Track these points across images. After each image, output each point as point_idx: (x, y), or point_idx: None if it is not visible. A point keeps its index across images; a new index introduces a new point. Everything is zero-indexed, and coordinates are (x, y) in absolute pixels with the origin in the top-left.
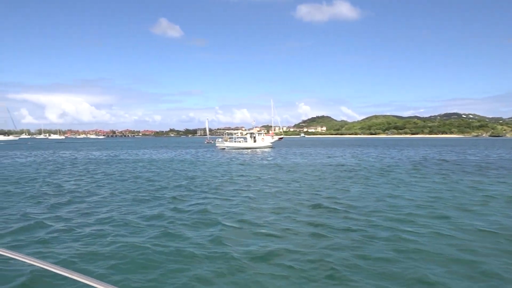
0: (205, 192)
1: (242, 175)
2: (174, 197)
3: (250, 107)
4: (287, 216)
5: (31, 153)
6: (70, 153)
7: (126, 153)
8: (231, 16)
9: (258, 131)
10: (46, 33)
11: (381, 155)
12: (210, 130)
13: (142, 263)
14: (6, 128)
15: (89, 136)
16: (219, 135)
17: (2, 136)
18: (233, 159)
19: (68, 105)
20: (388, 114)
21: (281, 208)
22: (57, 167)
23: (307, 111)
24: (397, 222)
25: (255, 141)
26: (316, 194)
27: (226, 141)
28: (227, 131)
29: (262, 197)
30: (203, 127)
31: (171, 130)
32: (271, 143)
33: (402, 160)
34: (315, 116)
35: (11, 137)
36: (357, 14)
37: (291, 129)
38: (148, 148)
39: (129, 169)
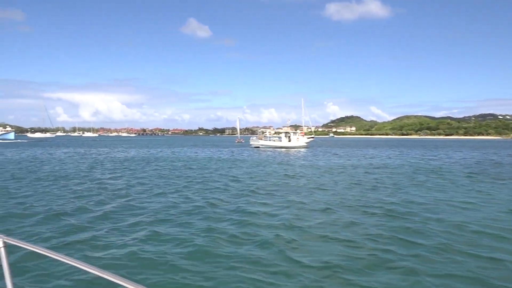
0: (271, 195)
1: (291, 176)
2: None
3: (277, 107)
4: (374, 224)
5: (77, 151)
6: (122, 150)
7: (162, 151)
8: (259, 16)
9: (287, 131)
10: (81, 34)
11: (428, 156)
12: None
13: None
14: (43, 126)
15: (120, 134)
16: (247, 134)
17: (39, 133)
18: (271, 159)
19: (100, 104)
20: (419, 114)
21: (365, 214)
22: (113, 166)
23: (336, 111)
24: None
25: (289, 141)
26: (382, 200)
27: (261, 139)
28: (260, 129)
29: (339, 205)
30: (231, 126)
31: (200, 129)
32: (306, 143)
33: (456, 162)
34: (343, 116)
35: (48, 135)
36: (388, 12)
37: (319, 129)
38: (182, 146)
39: (181, 169)
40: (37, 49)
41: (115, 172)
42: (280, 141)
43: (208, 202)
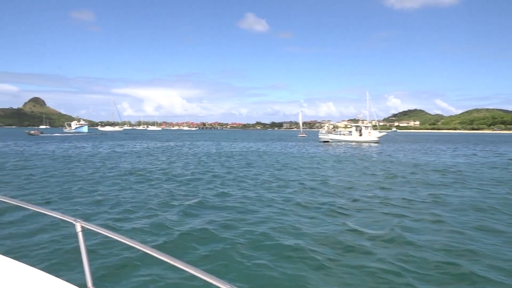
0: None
1: (390, 175)
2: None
3: (335, 100)
4: None
5: (159, 145)
6: (199, 143)
7: (232, 145)
8: (317, 8)
9: (358, 124)
10: (144, 32)
11: None
12: (295, 123)
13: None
14: (111, 120)
15: (182, 128)
16: (305, 128)
17: (108, 127)
18: (349, 154)
19: (163, 98)
20: (491, 107)
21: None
22: (200, 161)
23: (397, 105)
24: None
25: (360, 135)
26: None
27: (330, 133)
28: (318, 123)
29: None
30: (288, 120)
31: (258, 123)
32: (378, 137)
33: None
34: (406, 110)
35: (116, 128)
36: None
37: (380, 123)
38: (247, 140)
39: (264, 165)
40: (105, 47)
41: (216, 168)
42: (351, 135)
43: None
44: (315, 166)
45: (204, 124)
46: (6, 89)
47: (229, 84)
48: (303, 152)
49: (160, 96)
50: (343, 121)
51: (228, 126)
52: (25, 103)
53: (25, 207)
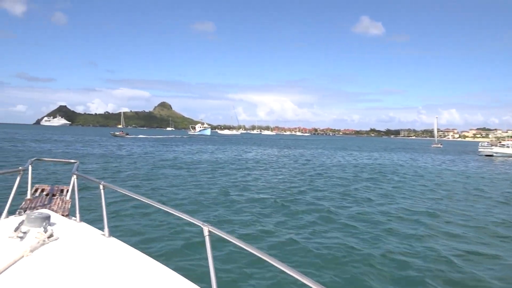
0: None
1: None
2: None
3: (459, 107)
4: None
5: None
6: (347, 154)
7: (364, 156)
8: (437, 8)
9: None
10: (257, 39)
11: None
12: (414, 131)
13: None
14: (227, 124)
15: (295, 133)
16: (425, 136)
17: (227, 130)
18: None
19: (274, 104)
20: None
21: None
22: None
23: None
24: None
25: None
26: None
27: (495, 146)
28: (443, 131)
29: None
30: (404, 127)
31: (372, 130)
32: None
33: None
34: None
35: (234, 132)
36: None
37: None
38: (370, 150)
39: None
40: (222, 55)
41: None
42: None
43: None
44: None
45: (316, 130)
46: (140, 95)
47: (340, 89)
48: (463, 171)
49: (272, 101)
50: (471, 130)
51: (341, 133)
52: (155, 107)
53: (159, 207)
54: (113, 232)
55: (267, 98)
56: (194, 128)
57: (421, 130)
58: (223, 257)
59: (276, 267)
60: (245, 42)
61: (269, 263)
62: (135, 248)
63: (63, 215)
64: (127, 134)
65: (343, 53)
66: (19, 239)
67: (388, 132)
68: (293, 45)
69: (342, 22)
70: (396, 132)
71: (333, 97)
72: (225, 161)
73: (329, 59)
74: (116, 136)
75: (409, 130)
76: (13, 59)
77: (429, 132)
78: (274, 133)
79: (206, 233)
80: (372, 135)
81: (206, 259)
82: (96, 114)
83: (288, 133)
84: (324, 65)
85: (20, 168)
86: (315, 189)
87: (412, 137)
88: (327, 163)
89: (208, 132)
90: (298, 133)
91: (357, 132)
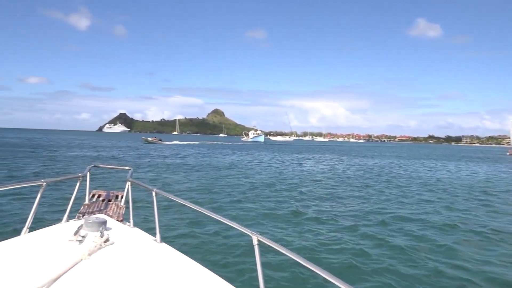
0: None
1: None
2: None
3: None
4: None
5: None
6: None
7: (440, 166)
8: (502, 5)
9: None
10: (308, 46)
11: None
12: (478, 138)
13: None
14: (279, 130)
15: (349, 139)
16: (490, 143)
17: (280, 137)
18: None
19: (326, 110)
20: None
21: None
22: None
23: None
24: None
25: None
26: None
27: None
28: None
29: None
30: (466, 134)
31: (430, 137)
32: None
33: None
34: None
35: (286, 138)
36: None
37: None
38: (437, 158)
39: None
40: (273, 62)
41: None
42: None
43: None
44: None
45: (370, 136)
46: (193, 102)
47: (395, 94)
48: None
49: (323, 107)
50: None
51: (396, 139)
52: (208, 114)
53: (209, 215)
54: (164, 238)
55: (318, 104)
56: (247, 134)
57: (485, 137)
58: (272, 266)
59: (331, 282)
60: (297, 48)
61: (321, 276)
62: (186, 255)
63: (117, 220)
64: (160, 140)
65: (398, 57)
66: (78, 242)
67: (449, 139)
68: (346, 50)
69: (397, 25)
70: (458, 139)
71: (387, 102)
72: (289, 172)
73: (384, 64)
74: (148, 142)
75: (471, 137)
76: (78, 70)
77: (495, 139)
78: (327, 140)
79: (255, 242)
80: (431, 142)
81: (255, 268)
82: (153, 121)
83: (341, 139)
84: (378, 70)
85: (79, 174)
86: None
87: (476, 144)
88: (413, 176)
89: (261, 139)
90: (351, 140)
91: (414, 139)
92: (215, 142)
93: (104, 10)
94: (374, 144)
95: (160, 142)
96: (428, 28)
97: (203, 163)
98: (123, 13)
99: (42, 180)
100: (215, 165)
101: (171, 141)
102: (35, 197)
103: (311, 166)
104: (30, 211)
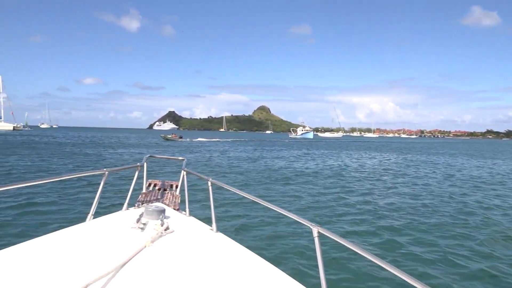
0: None
1: None
2: None
3: None
4: None
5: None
6: None
7: None
8: None
9: None
10: (355, 39)
11: None
12: None
13: None
14: (325, 126)
15: (400, 135)
16: None
17: (328, 133)
18: None
19: (375, 105)
20: None
21: None
22: None
23: None
24: None
25: None
26: None
27: None
28: None
29: None
30: None
31: (488, 132)
32: None
33: None
34: None
35: (335, 134)
36: None
37: None
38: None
39: None
40: (319, 57)
41: None
42: None
43: None
44: None
45: (422, 132)
46: (239, 99)
47: (448, 88)
48: None
49: (372, 103)
50: None
51: (451, 135)
52: (254, 111)
53: (266, 206)
54: (220, 228)
55: (366, 100)
56: (296, 131)
57: None
58: (333, 259)
59: (395, 274)
60: (343, 43)
61: (385, 269)
62: (242, 245)
63: (174, 209)
64: (180, 137)
65: (451, 48)
66: (140, 230)
67: (510, 134)
68: (396, 43)
69: (450, 14)
70: None
71: (440, 96)
72: (361, 171)
73: (436, 56)
74: (167, 139)
75: None
76: (130, 70)
77: None
78: (377, 136)
79: (315, 234)
80: (489, 137)
81: (315, 261)
82: (200, 118)
83: (391, 135)
84: (431, 63)
85: (138, 164)
86: None
87: None
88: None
89: (310, 135)
90: (402, 135)
91: (471, 134)
92: (254, 140)
93: (153, 11)
94: (428, 140)
95: (180, 140)
96: (484, 16)
97: (256, 168)
98: (171, 14)
99: (105, 169)
100: (273, 170)
101: (196, 138)
102: (98, 185)
103: (378, 164)
104: (94, 198)
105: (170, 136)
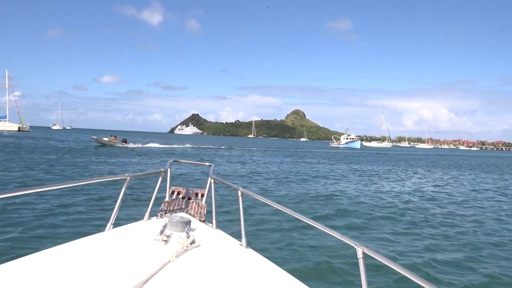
0: None
1: None
2: None
3: None
4: None
5: None
6: None
7: None
8: None
9: None
10: (403, 37)
11: None
12: None
13: None
14: (368, 134)
15: (458, 147)
16: None
17: (375, 142)
18: None
19: (424, 111)
20: None
21: None
22: None
23: None
24: None
25: None
26: None
27: None
28: None
29: None
30: None
31: None
32: None
33: None
34: None
35: (383, 144)
36: None
37: None
38: None
39: None
40: (362, 56)
41: None
42: None
43: None
44: None
45: (483, 143)
46: (271, 102)
47: (511, 92)
48: None
49: (421, 108)
50: None
51: None
52: (287, 115)
53: (304, 221)
54: (250, 243)
55: (415, 105)
56: (339, 139)
57: None
58: (381, 280)
59: None
60: (388, 41)
61: None
62: (274, 263)
63: (200, 220)
64: (124, 140)
65: None
66: (163, 242)
67: None
68: (450, 42)
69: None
70: None
71: (503, 102)
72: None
73: (497, 56)
74: (103, 144)
75: None
76: (151, 68)
77: None
78: (431, 147)
79: (360, 255)
80: None
81: (359, 285)
82: (226, 122)
83: (445, 146)
84: (491, 63)
85: (161, 169)
86: None
87: None
88: None
89: (357, 144)
90: (461, 147)
91: None
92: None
93: (177, 4)
94: (493, 153)
95: (122, 145)
96: None
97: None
98: (196, 7)
99: (127, 174)
100: (322, 197)
101: (147, 144)
102: (120, 191)
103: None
104: (115, 205)
105: (107, 139)
